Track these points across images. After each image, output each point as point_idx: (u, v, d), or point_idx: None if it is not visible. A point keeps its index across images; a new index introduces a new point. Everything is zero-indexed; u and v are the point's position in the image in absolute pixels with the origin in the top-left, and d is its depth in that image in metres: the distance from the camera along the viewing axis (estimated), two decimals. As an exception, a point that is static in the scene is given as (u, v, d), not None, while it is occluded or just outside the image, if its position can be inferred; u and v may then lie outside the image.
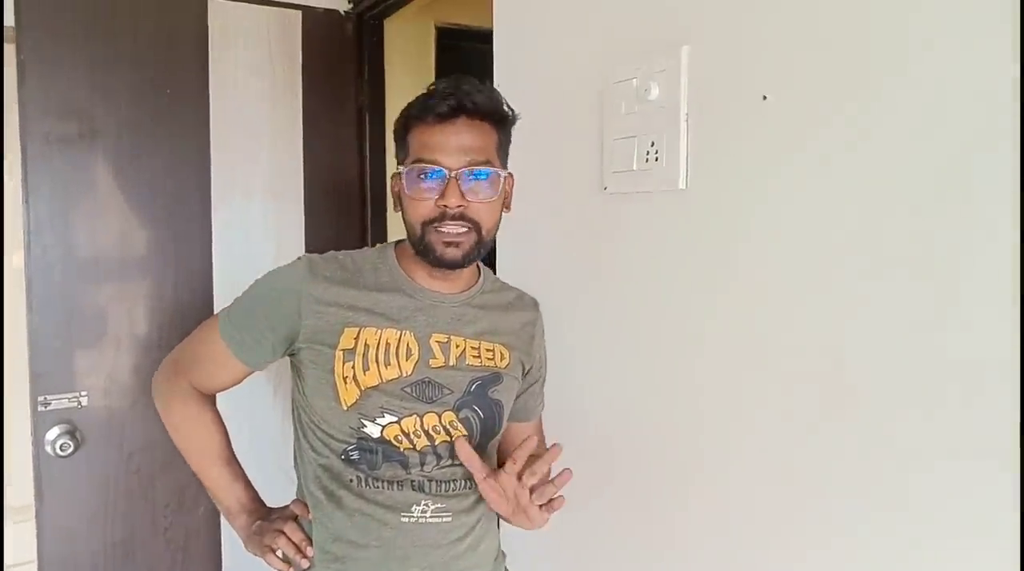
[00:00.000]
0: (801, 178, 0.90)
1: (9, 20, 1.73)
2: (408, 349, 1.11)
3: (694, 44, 1.04)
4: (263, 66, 2.02)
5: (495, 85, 1.46)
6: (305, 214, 2.06)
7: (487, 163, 1.06)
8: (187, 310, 1.93)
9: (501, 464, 1.22)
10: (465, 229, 1.06)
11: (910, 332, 0.79)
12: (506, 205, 1.14)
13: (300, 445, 1.19)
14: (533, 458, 1.02)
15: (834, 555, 0.88)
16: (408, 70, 2.27)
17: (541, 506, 1.03)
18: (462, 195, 1.04)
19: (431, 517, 1.12)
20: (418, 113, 1.07)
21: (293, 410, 1.21)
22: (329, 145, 2.10)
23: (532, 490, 1.01)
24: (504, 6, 1.45)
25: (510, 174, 1.14)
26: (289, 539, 1.17)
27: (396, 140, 1.13)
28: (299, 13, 2.06)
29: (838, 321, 0.86)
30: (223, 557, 2.01)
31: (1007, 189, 0.70)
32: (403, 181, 1.08)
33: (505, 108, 1.11)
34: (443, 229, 1.06)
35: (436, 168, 1.04)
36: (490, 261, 1.48)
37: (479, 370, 1.14)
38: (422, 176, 1.05)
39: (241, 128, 1.99)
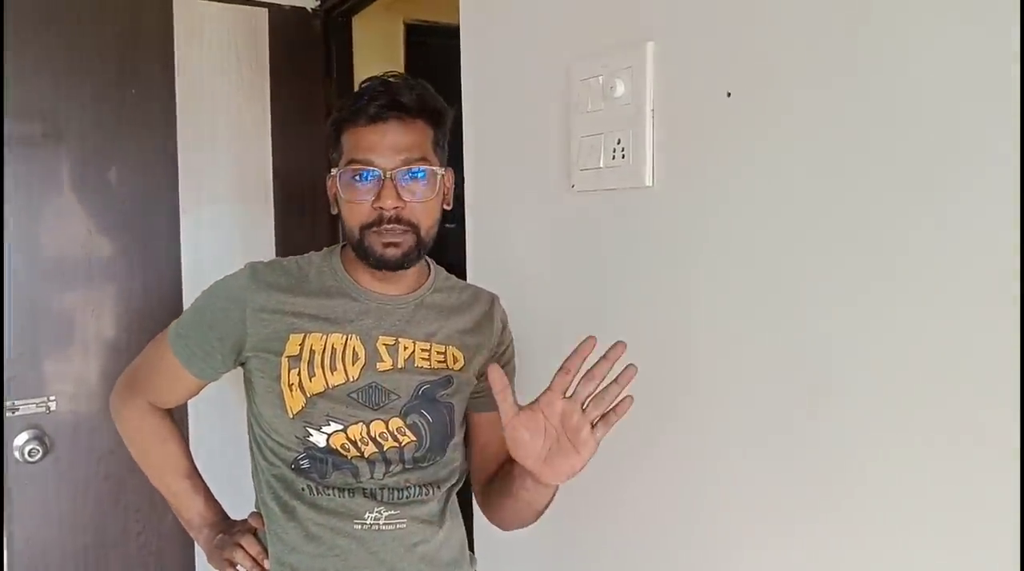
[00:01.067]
0: (766, 174, 0.91)
1: (-33, 20, 1.70)
2: (355, 353, 1.09)
3: (658, 41, 1.04)
4: (230, 65, 2.00)
5: (463, 83, 1.46)
6: (275, 215, 2.05)
7: (423, 161, 1.04)
8: (156, 314, 1.91)
9: (483, 466, 1.21)
10: (401, 230, 1.04)
11: (880, 328, 0.80)
12: (446, 201, 1.12)
13: (254, 456, 1.17)
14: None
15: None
16: (377, 66, 2.23)
17: (594, 425, 0.90)
18: (398, 196, 1.02)
19: (384, 524, 1.09)
20: (349, 115, 1.05)
21: (247, 421, 1.19)
22: (298, 144, 2.09)
23: (584, 404, 0.90)
24: (470, 3, 1.45)
25: (449, 170, 1.11)
26: (247, 552, 1.16)
27: (329, 143, 1.10)
28: (265, 11, 2.05)
29: (807, 317, 0.88)
30: (196, 562, 1.99)
31: (978, 177, 0.72)
32: (338, 183, 1.07)
33: (438, 104, 1.08)
34: (383, 230, 1.04)
35: (371, 169, 1.02)
36: (458, 259, 1.48)
37: (428, 373, 1.12)
38: (357, 178, 1.04)
39: (208, 129, 1.97)
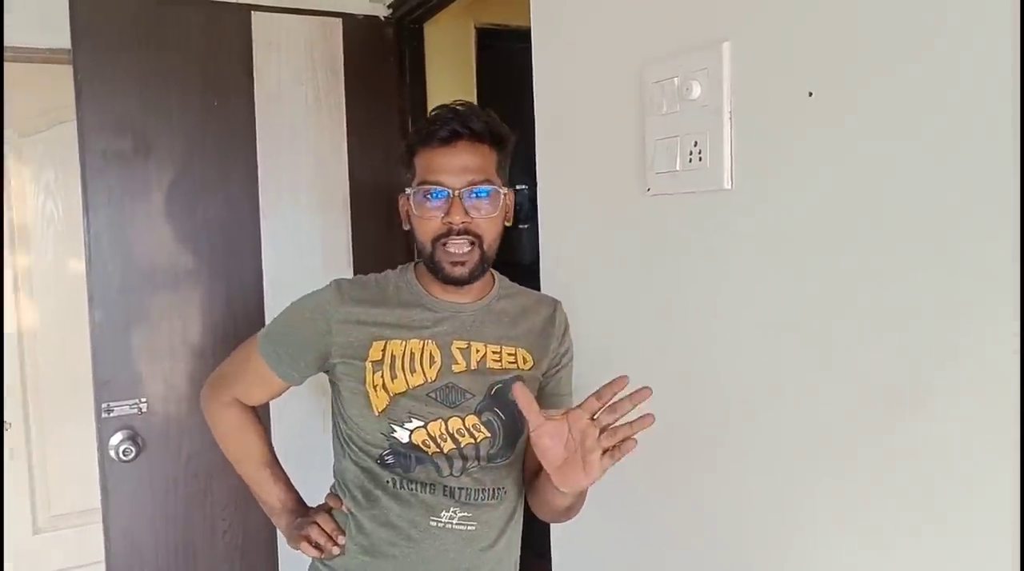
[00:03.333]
0: (849, 176, 0.88)
1: (63, 42, 1.79)
2: (431, 357, 1.18)
3: (735, 40, 1.01)
4: (306, 74, 2.05)
5: (535, 87, 1.46)
6: (351, 221, 2.09)
7: (487, 182, 1.13)
8: (239, 318, 1.98)
9: (530, 465, 1.26)
10: (469, 246, 1.14)
11: (965, 334, 0.76)
12: (507, 218, 1.21)
13: (339, 454, 1.26)
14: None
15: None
16: (449, 72, 2.28)
17: (605, 452, 0.97)
18: (465, 212, 1.12)
19: (457, 524, 1.16)
20: (422, 138, 1.15)
21: (333, 422, 1.28)
22: (373, 150, 2.13)
23: (602, 432, 0.96)
24: (541, 6, 1.44)
25: (510, 190, 1.20)
26: (321, 528, 1.23)
27: (403, 164, 1.20)
28: (339, 21, 2.09)
29: (889, 324, 0.84)
30: (279, 557, 2.05)
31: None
32: (411, 202, 1.16)
33: (502, 130, 1.17)
34: (450, 247, 1.13)
35: (441, 189, 1.12)
36: (531, 266, 1.48)
37: (500, 373, 1.19)
38: (428, 196, 1.13)
39: (287, 137, 2.02)
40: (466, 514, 1.17)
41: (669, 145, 1.11)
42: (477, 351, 1.19)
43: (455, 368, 1.17)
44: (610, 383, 0.97)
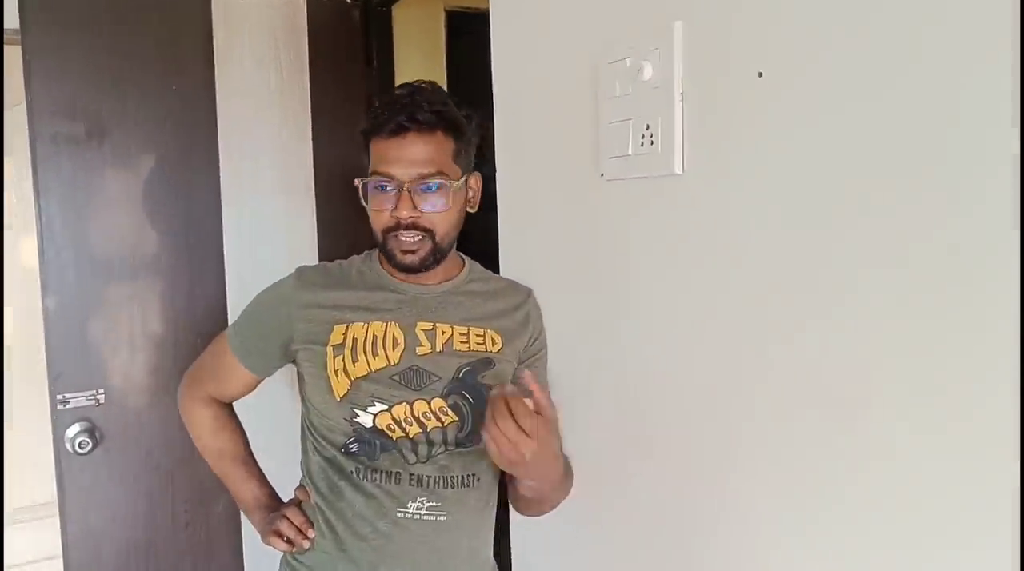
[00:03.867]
0: (800, 158, 0.84)
1: (13, 22, 1.73)
2: (394, 339, 1.16)
3: (687, 19, 0.97)
4: (268, 58, 2.00)
5: (493, 71, 1.42)
6: (316, 206, 2.04)
7: (438, 174, 1.10)
8: (200, 308, 1.93)
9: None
10: (419, 237, 1.12)
11: (918, 324, 0.73)
12: (470, 204, 1.19)
13: (305, 444, 1.24)
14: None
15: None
16: (419, 56, 2.23)
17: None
18: (414, 206, 1.10)
19: (426, 514, 1.14)
20: (373, 127, 1.12)
21: (301, 413, 1.26)
22: (339, 137, 2.08)
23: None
24: (500, -12, 1.40)
25: (475, 174, 1.18)
26: (291, 522, 1.21)
27: (362, 149, 1.17)
28: (303, 3, 2.03)
29: (842, 311, 0.80)
30: (244, 551, 2.02)
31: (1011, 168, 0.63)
32: (361, 192, 1.15)
33: (457, 116, 1.12)
34: (401, 237, 1.12)
35: (389, 182, 1.10)
36: (491, 251, 1.44)
37: (467, 356, 1.17)
38: (377, 188, 1.12)
39: (249, 122, 1.97)
40: (435, 503, 1.14)
41: (621, 128, 1.07)
42: (443, 333, 1.17)
43: (419, 350, 1.15)
44: (491, 399, 0.98)
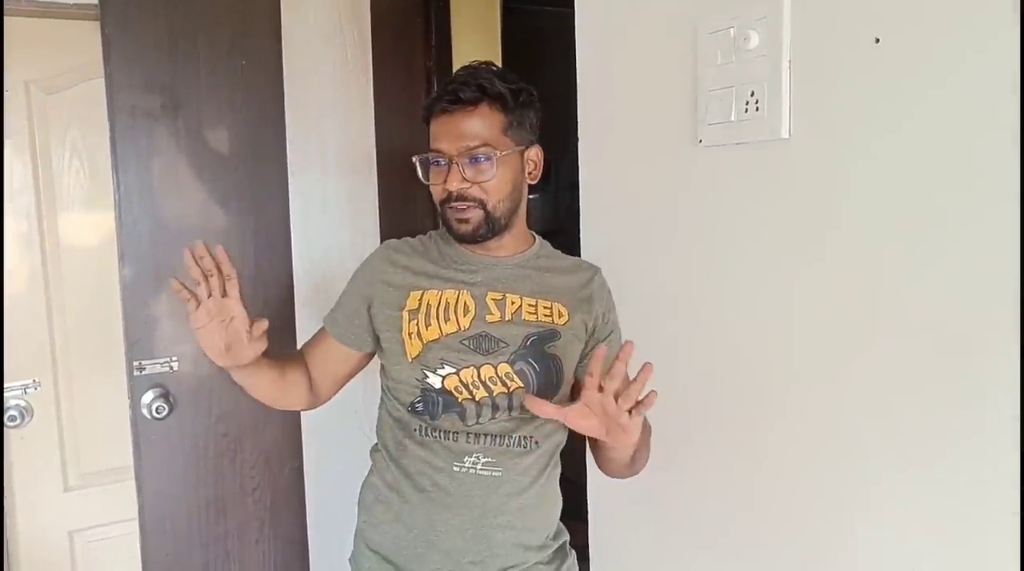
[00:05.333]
0: (916, 127, 0.88)
1: (93, -3, 1.77)
2: (466, 306, 1.23)
3: (796, -12, 1.01)
4: (334, 37, 2.04)
5: (577, 38, 1.45)
6: (378, 181, 2.08)
7: (483, 146, 1.17)
8: (267, 279, 1.98)
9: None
10: (471, 206, 1.19)
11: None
12: (531, 176, 1.26)
13: (382, 405, 1.33)
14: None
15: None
16: (475, 35, 2.27)
17: (631, 410, 1.04)
18: (463, 178, 1.17)
19: (481, 469, 1.21)
20: (428, 108, 1.22)
21: (380, 379, 1.34)
22: (399, 115, 2.12)
23: (617, 397, 1.03)
24: (585, -39, 1.43)
25: (534, 147, 1.25)
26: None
27: (427, 131, 1.25)
28: (367, -17, 2.07)
29: (948, 283, 0.84)
30: (308, 517, 2.07)
31: None
32: (420, 169, 1.24)
33: (502, 91, 1.18)
34: (455, 207, 1.19)
35: (439, 156, 1.19)
36: (572, 228, 1.49)
37: (535, 325, 1.23)
38: (432, 163, 1.21)
39: (314, 99, 2.02)
40: (490, 459, 1.21)
41: (723, 95, 1.12)
42: (512, 302, 1.24)
43: (489, 318, 1.22)
44: (592, 357, 1.04)
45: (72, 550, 2.04)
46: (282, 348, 1.96)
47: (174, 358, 1.90)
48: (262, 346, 1.18)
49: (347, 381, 1.40)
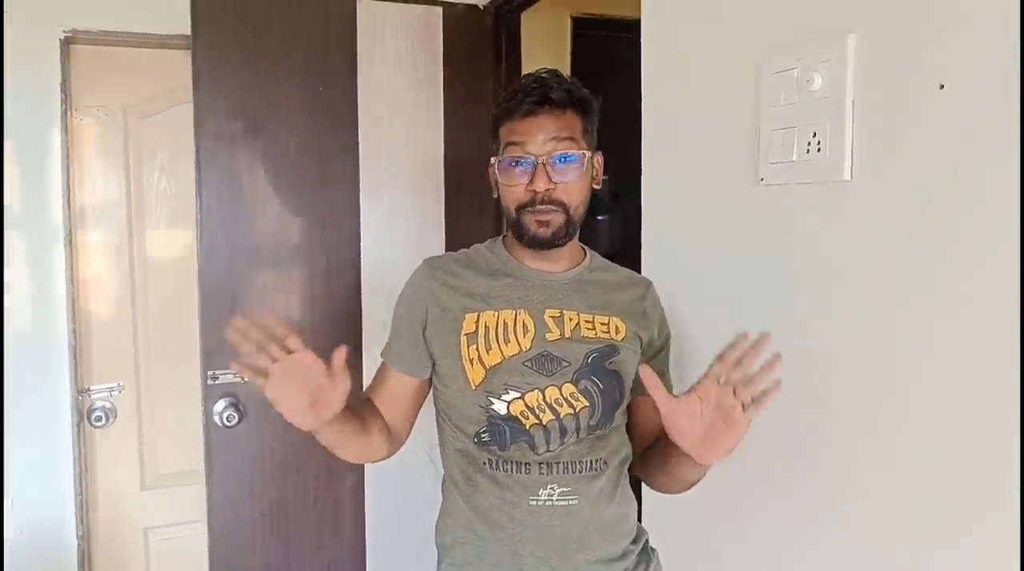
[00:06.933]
0: (980, 172, 0.87)
1: (184, 28, 1.88)
2: (524, 326, 1.19)
3: (861, 32, 1.01)
4: (406, 61, 2.10)
5: (643, 73, 1.47)
6: (445, 199, 2.13)
7: (571, 147, 1.15)
8: (336, 296, 2.05)
9: (640, 443, 1.28)
10: (554, 210, 1.15)
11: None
12: (595, 181, 1.23)
13: (442, 435, 1.27)
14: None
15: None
16: (545, 60, 2.29)
17: (745, 407, 0.98)
18: (549, 178, 1.14)
19: (558, 500, 1.16)
20: (507, 109, 1.17)
21: (435, 404, 1.29)
22: (468, 134, 2.17)
23: (735, 391, 0.98)
24: (653, -6, 1.45)
25: (597, 153, 1.22)
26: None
27: (491, 135, 1.23)
28: (440, 9, 2.13)
29: (1014, 329, 0.83)
30: (367, 528, 2.12)
31: None
32: (497, 170, 1.19)
33: (585, 95, 1.18)
34: (536, 209, 1.15)
35: (525, 157, 1.14)
36: (628, 250, 1.50)
37: (594, 342, 1.19)
38: (513, 164, 1.16)
39: (386, 120, 2.08)
40: (565, 489, 1.16)
41: (786, 135, 1.11)
42: (570, 319, 1.20)
43: (549, 336, 1.18)
44: (732, 344, 1.00)
45: (146, 546, 2.16)
46: (351, 369, 2.04)
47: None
48: (347, 382, 1.09)
49: (419, 411, 1.32)
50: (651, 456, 1.25)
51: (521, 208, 1.17)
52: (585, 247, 1.30)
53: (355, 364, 2.03)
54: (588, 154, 1.17)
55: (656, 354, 1.29)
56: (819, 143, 1.06)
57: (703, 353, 1.31)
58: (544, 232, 1.16)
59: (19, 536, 1.98)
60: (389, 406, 1.28)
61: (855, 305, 1.04)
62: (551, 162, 1.14)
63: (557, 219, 1.16)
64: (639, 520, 1.31)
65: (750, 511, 1.25)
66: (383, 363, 1.30)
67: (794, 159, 1.10)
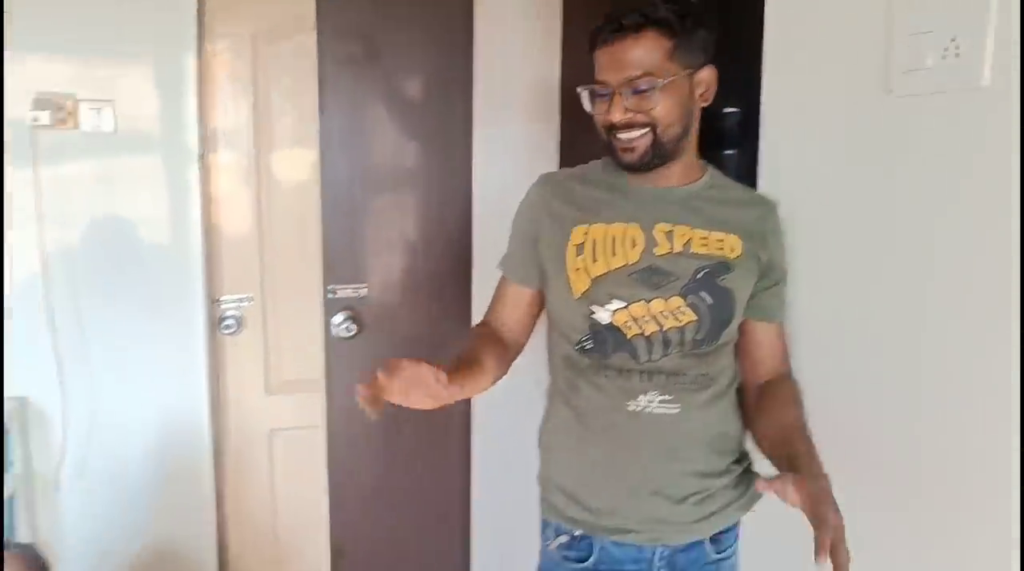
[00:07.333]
0: None
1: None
2: (633, 240, 1.20)
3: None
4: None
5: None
6: (560, 130, 2.15)
7: (645, 76, 1.14)
8: (449, 218, 2.14)
9: (748, 369, 1.29)
10: (638, 133, 1.16)
11: None
12: (703, 98, 1.21)
13: (550, 342, 1.33)
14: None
15: None
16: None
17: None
18: (625, 109, 1.15)
19: (656, 408, 1.20)
20: (591, 41, 1.19)
21: (546, 313, 1.34)
22: (585, 62, 2.16)
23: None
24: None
25: (706, 68, 1.19)
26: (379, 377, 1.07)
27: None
28: (558, -69, 2.12)
29: None
30: (472, 441, 2.24)
31: None
32: (585, 101, 1.22)
33: (667, 16, 1.14)
34: (619, 136, 1.18)
35: (602, 87, 1.17)
36: (748, 162, 1.47)
37: (705, 258, 1.20)
38: (593, 94, 1.19)
39: (502, 47, 2.10)
40: (665, 397, 1.19)
41: (920, 41, 1.08)
42: (682, 235, 1.21)
43: (657, 250, 1.20)
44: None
45: (271, 446, 2.35)
46: (458, 290, 2.13)
47: (362, 285, 2.10)
48: (455, 389, 1.07)
49: (536, 321, 1.36)
50: (768, 431, 1.20)
51: (608, 133, 1.19)
52: (707, 164, 1.30)
53: (463, 282, 2.13)
54: (670, 79, 1.15)
55: (773, 284, 1.27)
56: (957, 48, 1.03)
57: (821, 284, 1.30)
58: (631, 157, 1.18)
59: (160, 433, 2.19)
60: (508, 315, 1.34)
61: (992, 222, 1.01)
62: (625, 92, 1.15)
63: (643, 142, 1.17)
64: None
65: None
66: (502, 274, 1.36)
67: (929, 66, 1.07)
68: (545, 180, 1.32)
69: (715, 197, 1.26)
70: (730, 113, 1.64)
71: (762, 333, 1.29)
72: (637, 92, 1.14)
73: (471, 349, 1.25)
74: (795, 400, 1.22)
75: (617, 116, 1.16)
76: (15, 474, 2.05)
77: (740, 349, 1.30)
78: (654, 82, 1.14)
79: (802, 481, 0.95)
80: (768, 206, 1.29)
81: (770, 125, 1.43)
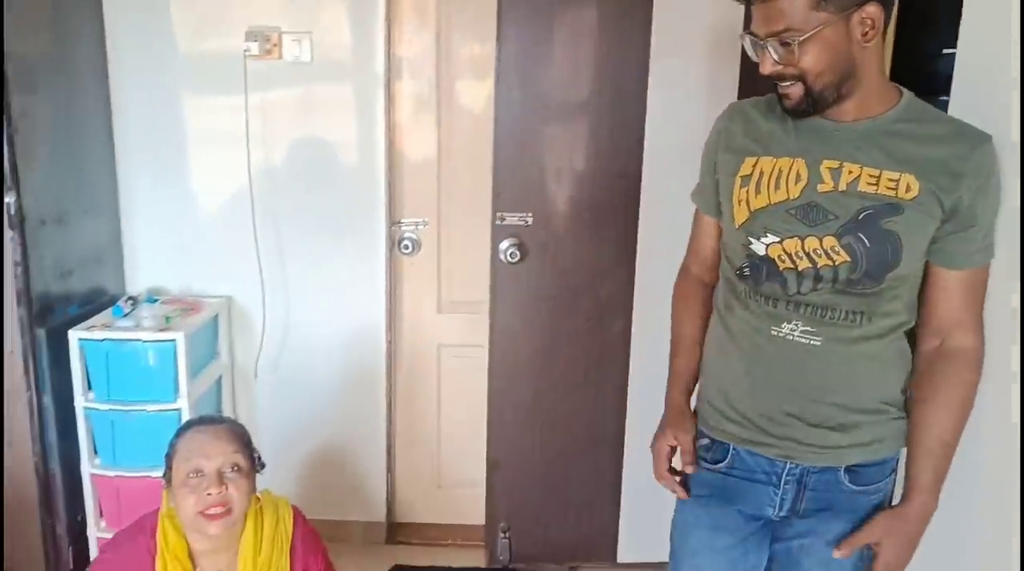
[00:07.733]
0: None
1: None
2: (798, 174, 1.20)
3: None
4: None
5: None
6: (741, 68, 2.06)
7: (784, 31, 1.12)
8: (619, 152, 2.13)
9: (923, 318, 1.25)
10: (788, 84, 1.17)
11: None
12: (865, 37, 1.14)
13: (721, 264, 1.38)
14: None
15: None
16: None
17: None
18: (773, 62, 1.16)
19: (799, 337, 1.23)
20: None
21: None
22: None
23: None
24: None
25: (860, 9, 1.11)
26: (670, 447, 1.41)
27: None
28: None
29: None
30: (630, 376, 2.28)
31: None
32: (745, 46, 1.21)
33: None
34: (776, 84, 1.19)
35: (753, 39, 1.17)
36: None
37: (871, 198, 1.16)
38: (750, 47, 1.19)
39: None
40: (809, 329, 1.21)
41: None
42: (850, 172, 1.17)
43: (820, 187, 1.18)
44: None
45: (439, 360, 2.53)
46: (624, 222, 2.14)
47: (528, 214, 2.17)
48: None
49: None
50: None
51: (768, 79, 1.20)
52: (903, 93, 1.21)
53: (631, 220, 2.14)
54: (814, 30, 1.10)
55: (962, 230, 1.17)
56: None
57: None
58: (788, 103, 1.19)
59: (343, 341, 2.42)
60: (704, 245, 1.43)
61: None
62: (773, 45, 1.14)
63: (795, 91, 1.17)
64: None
65: None
66: (695, 209, 1.44)
67: None
68: (731, 110, 1.36)
69: (902, 131, 1.17)
70: (948, 55, 1.48)
71: (943, 279, 1.22)
72: (784, 44, 1.14)
73: (690, 345, 1.43)
74: (953, 404, 1.22)
75: (768, 68, 1.17)
76: (221, 362, 2.37)
77: (921, 292, 1.25)
78: (793, 36, 1.12)
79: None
80: (972, 143, 1.16)
81: (969, 35, 1.30)
